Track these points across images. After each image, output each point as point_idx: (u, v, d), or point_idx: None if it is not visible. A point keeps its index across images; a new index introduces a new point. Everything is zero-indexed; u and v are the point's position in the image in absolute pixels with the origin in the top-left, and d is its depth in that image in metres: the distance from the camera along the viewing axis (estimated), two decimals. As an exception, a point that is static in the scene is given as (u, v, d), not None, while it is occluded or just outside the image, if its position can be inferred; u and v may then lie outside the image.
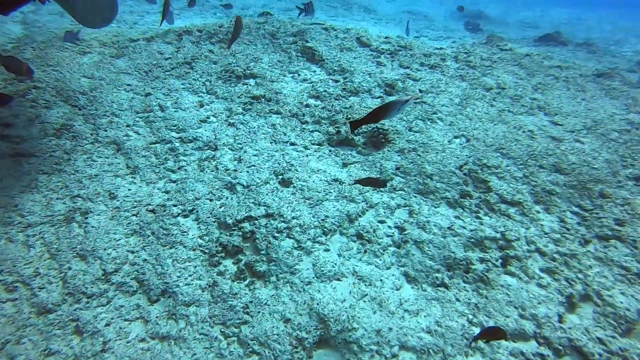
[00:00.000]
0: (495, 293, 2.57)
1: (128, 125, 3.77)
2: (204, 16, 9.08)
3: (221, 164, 3.30)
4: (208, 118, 3.83)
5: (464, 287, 2.62)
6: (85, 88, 4.20)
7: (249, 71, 4.50)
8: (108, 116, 3.85)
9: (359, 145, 3.59)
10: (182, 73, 4.47)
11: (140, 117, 3.87)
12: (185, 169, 3.34)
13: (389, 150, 3.48)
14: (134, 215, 2.95)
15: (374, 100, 4.14)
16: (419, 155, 3.42)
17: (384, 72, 4.63)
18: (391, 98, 4.20)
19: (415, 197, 3.15)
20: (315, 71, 4.71)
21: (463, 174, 3.29)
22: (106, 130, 3.68)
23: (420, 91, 4.24)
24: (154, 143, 3.61)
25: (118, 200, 3.05)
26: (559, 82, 4.82)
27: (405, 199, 3.13)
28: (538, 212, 3.12)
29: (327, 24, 5.79)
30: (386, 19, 11.00)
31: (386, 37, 5.71)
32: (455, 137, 3.67)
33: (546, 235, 2.93)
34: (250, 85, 4.33)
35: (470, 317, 2.47)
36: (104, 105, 3.96)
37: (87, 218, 2.91)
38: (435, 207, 3.07)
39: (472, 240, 2.83)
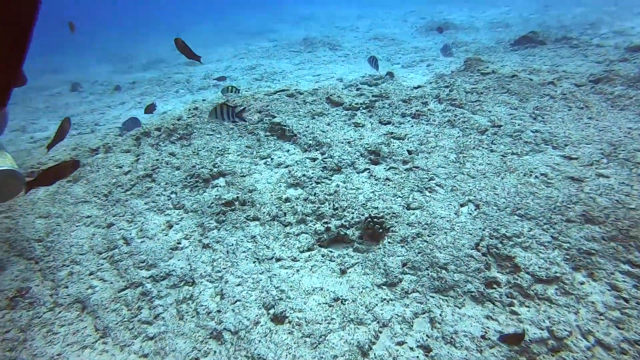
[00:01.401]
0: (562, 420, 2.12)
1: (91, 273, 3.41)
2: (166, 99, 8.95)
3: (201, 305, 2.91)
4: (179, 243, 3.47)
5: (522, 416, 2.18)
6: (41, 233, 3.88)
7: (216, 169, 4.19)
8: (68, 266, 3.50)
9: (354, 240, 3.22)
10: (144, 190, 4.16)
11: (104, 259, 3.52)
12: (163, 318, 2.95)
13: (389, 242, 3.10)
14: (107, 403, 2.54)
15: (359, 176, 3.81)
16: (425, 241, 3.04)
17: (364, 135, 4.33)
18: (378, 168, 3.86)
19: (433, 297, 2.75)
20: (288, 150, 4.40)
21: (482, 254, 2.90)
22: (67, 287, 3.32)
23: (409, 152, 3.92)
24: (123, 289, 3.23)
25: (87, 385, 2.64)
26: (557, 102, 4.51)
27: (421, 303, 2.72)
28: (582, 283, 2.70)
29: (292, 89, 5.56)
30: (353, 53, 10.92)
31: (358, 89, 5.47)
32: (462, 206, 3.30)
33: (602, 317, 2.50)
34: (220, 187, 4.01)
35: None
36: (62, 253, 3.61)
37: (52, 421, 2.49)
38: (460, 308, 2.65)
39: (515, 348, 2.40)
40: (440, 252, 2.94)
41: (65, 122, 3.89)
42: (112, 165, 4.74)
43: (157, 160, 4.56)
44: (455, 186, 3.47)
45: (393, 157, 3.94)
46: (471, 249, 2.92)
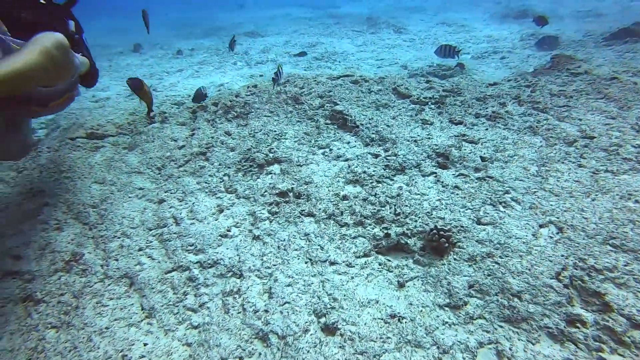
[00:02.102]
0: None
1: (140, 249, 3.42)
2: (223, 70, 8.94)
3: (248, 301, 2.83)
4: (229, 231, 3.41)
5: None
6: (96, 199, 3.95)
7: (272, 155, 4.08)
8: (119, 238, 3.54)
9: (415, 251, 3.00)
10: (197, 168, 4.13)
11: (153, 236, 3.52)
12: (208, 307, 2.91)
13: (455, 259, 2.86)
14: (148, 389, 2.53)
15: (425, 180, 3.55)
16: (496, 263, 2.77)
17: (432, 134, 4.03)
18: (446, 173, 3.58)
19: (502, 326, 2.50)
20: (349, 142, 4.20)
21: (563, 285, 2.60)
22: (117, 260, 3.35)
23: (482, 159, 3.60)
24: (170, 271, 3.22)
25: (131, 366, 2.64)
26: (666, 114, 3.97)
27: (488, 332, 2.48)
28: (686, 335, 2.36)
29: (357, 75, 5.31)
30: (420, 38, 10.40)
31: (427, 81, 5.13)
32: (542, 227, 2.98)
33: None
34: (274, 174, 3.89)
35: None
36: (114, 223, 3.66)
37: (95, 398, 2.52)
38: (533, 344, 2.39)
39: (597, 401, 2.13)
40: (514, 278, 2.67)
41: (144, 11, 5.02)
42: (167, 137, 4.74)
43: (212, 138, 4.51)
44: (534, 203, 3.15)
45: (464, 162, 3.64)
46: (551, 278, 2.63)
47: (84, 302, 3.07)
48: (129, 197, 3.96)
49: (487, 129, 4.04)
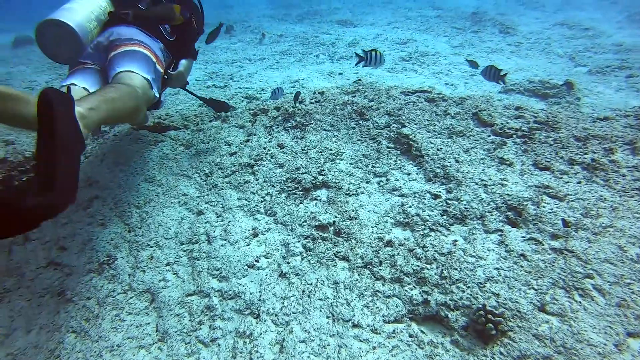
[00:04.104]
0: None
1: (168, 264, 3.44)
2: (303, 63, 8.85)
3: (257, 350, 2.68)
4: (257, 261, 3.28)
5: None
6: (141, 199, 4.07)
7: (321, 177, 3.86)
8: (151, 247, 3.59)
9: (455, 329, 2.62)
10: (242, 181, 4.05)
11: (184, 251, 3.53)
12: (219, 345, 2.82)
13: (502, 353, 2.43)
14: None
15: (486, 238, 3.10)
16: (555, 372, 2.31)
17: (508, 179, 3.52)
18: (514, 233, 3.09)
19: None
20: (409, 174, 3.83)
21: None
22: (144, 271, 3.41)
23: (565, 223, 3.04)
24: (192, 294, 3.19)
25: (130, 395, 2.66)
26: None
27: None
28: None
29: (435, 92, 4.85)
30: (528, 41, 9.35)
31: (517, 107, 4.51)
32: (631, 336, 2.43)
33: None
34: (319, 201, 3.68)
35: None
36: (150, 230, 3.73)
37: (90, 422, 2.57)
38: None
39: None
40: (574, 398, 2.20)
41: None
42: (222, 140, 4.74)
43: (264, 149, 4.41)
44: (626, 300, 2.57)
45: (540, 223, 3.11)
46: (624, 413, 2.12)
47: (104, 312, 3.15)
48: (172, 202, 4.01)
49: (579, 182, 3.42)
